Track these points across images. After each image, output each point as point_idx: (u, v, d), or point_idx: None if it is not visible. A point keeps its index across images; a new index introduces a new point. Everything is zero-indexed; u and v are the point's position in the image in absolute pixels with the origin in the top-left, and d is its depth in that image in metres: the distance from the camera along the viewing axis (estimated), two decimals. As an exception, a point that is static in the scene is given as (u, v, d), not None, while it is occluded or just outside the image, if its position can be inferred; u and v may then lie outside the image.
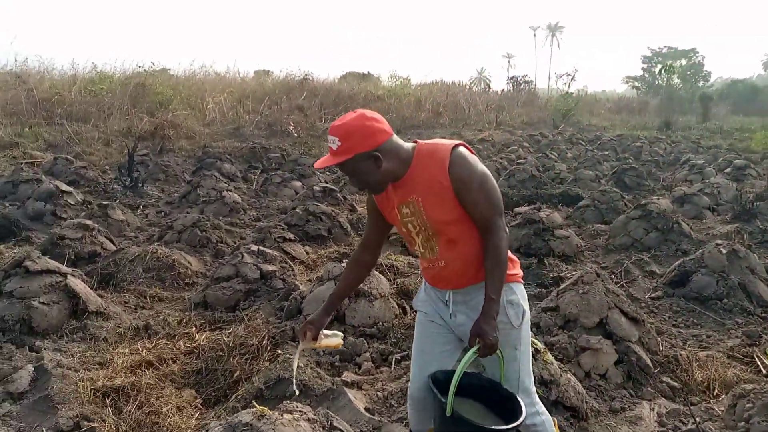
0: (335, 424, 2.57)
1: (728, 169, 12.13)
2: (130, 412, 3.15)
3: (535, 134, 20.19)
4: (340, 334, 2.47)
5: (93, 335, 4.14)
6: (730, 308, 4.83)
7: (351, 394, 3.30)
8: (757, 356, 3.98)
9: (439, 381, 2.08)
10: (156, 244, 6.08)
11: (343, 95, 21.83)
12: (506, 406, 2.11)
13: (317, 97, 20.45)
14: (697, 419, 3.12)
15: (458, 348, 2.35)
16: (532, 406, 2.27)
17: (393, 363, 3.83)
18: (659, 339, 4.08)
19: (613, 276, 5.63)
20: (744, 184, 10.70)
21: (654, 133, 23.61)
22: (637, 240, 6.76)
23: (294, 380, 2.35)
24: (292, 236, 6.38)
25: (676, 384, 3.63)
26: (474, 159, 2.11)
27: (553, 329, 3.85)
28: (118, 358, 3.73)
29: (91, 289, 4.72)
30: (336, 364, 3.83)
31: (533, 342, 3.20)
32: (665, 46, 57.51)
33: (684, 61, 53.33)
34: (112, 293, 5.00)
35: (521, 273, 2.29)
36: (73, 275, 4.57)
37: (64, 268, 4.54)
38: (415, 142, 2.18)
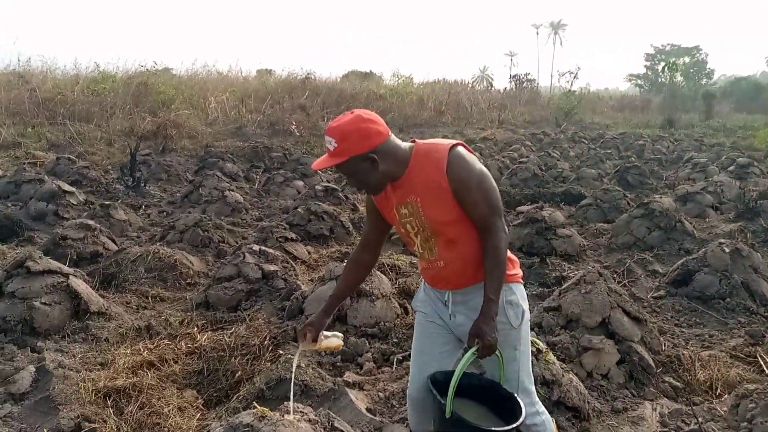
0: (336, 424, 2.56)
1: (731, 168, 12.09)
2: (131, 412, 3.15)
3: (537, 133, 20.15)
4: (340, 335, 2.46)
5: (94, 336, 4.14)
6: (733, 307, 4.82)
7: (352, 394, 3.29)
8: (760, 356, 3.96)
9: (439, 382, 2.08)
10: (158, 244, 6.08)
11: (346, 94, 21.81)
12: (506, 406, 2.10)
13: (319, 96, 20.44)
14: (700, 419, 3.11)
15: (458, 348, 2.35)
16: (532, 406, 2.26)
17: (395, 363, 3.83)
18: (662, 339, 4.07)
19: (615, 275, 5.61)
20: (747, 183, 10.67)
21: (657, 131, 23.55)
22: (640, 239, 6.74)
23: (291, 384, 2.35)
24: (294, 236, 6.37)
25: (678, 384, 3.61)
26: (472, 159, 2.10)
27: (555, 329, 3.84)
28: (120, 358, 3.73)
29: (93, 289, 4.72)
30: (337, 364, 3.82)
31: (535, 342, 3.19)
32: (668, 44, 57.39)
33: (687, 59, 53.17)
34: (113, 293, 5.01)
35: (521, 273, 2.28)
36: (75, 275, 4.57)
37: (65, 269, 4.54)
38: (413, 141, 2.17)
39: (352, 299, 4.24)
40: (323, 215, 7.14)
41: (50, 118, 14.58)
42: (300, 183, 10.19)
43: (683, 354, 3.89)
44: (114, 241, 6.19)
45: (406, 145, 2.13)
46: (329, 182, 9.13)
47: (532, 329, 3.80)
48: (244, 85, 21.16)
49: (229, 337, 3.96)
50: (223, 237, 6.56)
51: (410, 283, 4.82)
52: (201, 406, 3.39)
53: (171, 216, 7.80)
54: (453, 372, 1.99)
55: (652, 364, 3.66)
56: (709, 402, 3.42)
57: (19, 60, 17.84)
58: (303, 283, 5.08)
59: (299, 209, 7.25)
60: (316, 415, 2.51)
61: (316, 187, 8.71)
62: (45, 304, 4.16)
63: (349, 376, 3.64)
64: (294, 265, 5.61)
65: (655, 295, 5.25)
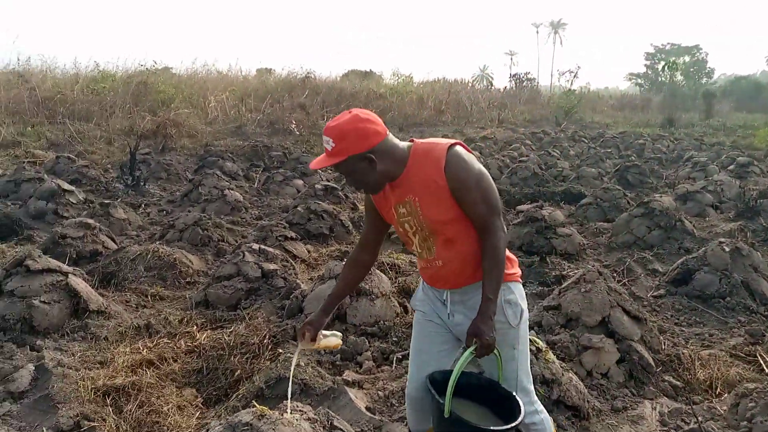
0: (336, 423, 2.56)
1: (731, 167, 12.08)
2: (130, 411, 3.15)
3: (537, 132, 20.14)
4: (339, 334, 2.45)
5: (94, 334, 4.14)
6: (732, 307, 4.81)
7: (352, 393, 3.29)
8: (760, 355, 3.95)
9: (437, 381, 2.07)
10: (157, 242, 6.07)
11: (346, 93, 21.80)
12: (505, 405, 2.10)
13: (319, 95, 20.44)
14: (700, 418, 3.11)
15: (456, 347, 2.34)
16: (531, 405, 2.26)
17: (394, 362, 3.82)
18: (661, 338, 4.06)
19: (615, 274, 5.61)
20: (747, 182, 10.67)
21: (657, 130, 23.54)
22: (640, 238, 6.74)
23: (290, 383, 2.34)
24: (293, 235, 6.37)
25: (678, 383, 3.61)
26: (470, 158, 2.09)
27: (555, 328, 3.84)
28: (119, 357, 3.73)
29: (93, 288, 4.72)
30: (337, 363, 3.82)
31: (535, 341, 3.19)
32: (668, 43, 57.35)
33: (687, 58, 53.15)
34: (113, 292, 5.00)
35: (519, 272, 2.28)
36: (74, 274, 4.57)
37: (65, 267, 4.54)
38: (412, 141, 2.17)
39: (352, 298, 4.23)
40: (323, 214, 7.14)
41: (50, 117, 14.57)
42: (300, 182, 10.18)
43: (683, 353, 3.88)
44: (113, 240, 6.19)
45: (404, 144, 2.13)
46: (329, 181, 9.13)
47: (532, 328, 3.81)
48: (243, 84, 21.16)
49: (229, 336, 3.96)
50: (223, 236, 6.56)
51: (410, 281, 4.82)
52: (200, 405, 3.38)
53: (170, 215, 7.80)
54: (451, 371, 1.98)
55: (652, 363, 3.66)
56: (709, 401, 3.42)
57: (18, 59, 17.86)
58: (303, 282, 5.07)
59: (299, 208, 7.24)
60: (315, 414, 2.51)
61: (316, 186, 8.70)
62: (44, 302, 4.16)
63: (349, 374, 3.64)
64: (293, 263, 5.60)
65: (655, 294, 5.25)
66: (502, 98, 30.16)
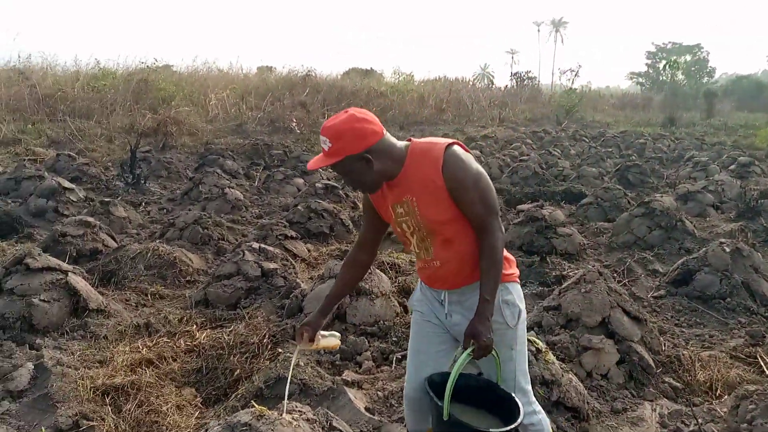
0: (335, 424, 2.56)
1: (732, 166, 12.07)
2: (129, 410, 3.14)
3: (538, 131, 20.12)
4: (338, 334, 2.45)
5: (93, 333, 4.14)
6: (733, 308, 4.81)
7: (351, 393, 3.28)
8: (761, 356, 3.95)
9: (436, 383, 2.07)
10: (157, 241, 6.06)
11: (346, 91, 21.79)
12: (504, 406, 2.09)
13: (320, 94, 20.42)
14: (700, 420, 3.11)
15: (454, 348, 2.34)
16: (529, 406, 2.26)
17: (394, 362, 3.82)
18: (662, 338, 4.06)
19: (615, 274, 5.60)
20: (748, 182, 10.65)
21: (658, 129, 23.51)
22: (640, 238, 6.73)
23: (288, 383, 2.34)
24: (293, 234, 6.36)
25: (678, 384, 3.60)
26: (468, 158, 2.08)
27: (555, 328, 3.83)
28: (119, 356, 3.73)
29: (93, 286, 4.72)
30: (336, 363, 3.82)
31: (534, 341, 3.19)
32: (669, 42, 57.21)
33: (688, 57, 53.05)
34: (113, 291, 5.00)
35: (517, 272, 2.27)
36: (74, 273, 4.56)
37: (65, 266, 4.53)
38: (409, 140, 2.16)
39: (352, 298, 4.23)
40: (323, 213, 7.13)
41: (50, 114, 14.57)
42: (300, 180, 10.18)
43: (683, 354, 3.88)
44: (113, 238, 6.19)
45: (401, 143, 2.12)
46: (329, 180, 9.11)
47: (531, 328, 3.80)
48: (244, 82, 21.14)
49: (228, 335, 3.95)
50: (223, 234, 6.55)
51: (410, 281, 4.81)
52: (199, 405, 3.38)
53: (171, 213, 7.79)
54: (450, 373, 1.98)
55: (652, 365, 3.65)
56: (709, 403, 3.41)
57: (19, 56, 17.87)
58: (303, 281, 5.07)
59: (299, 207, 7.24)
60: (314, 414, 2.50)
61: (317, 184, 8.69)
62: (44, 301, 4.16)
63: (348, 374, 3.63)
64: (294, 262, 5.60)
65: (655, 294, 5.24)
66: (503, 97, 30.13)
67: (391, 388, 3.44)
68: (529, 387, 2.32)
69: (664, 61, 48.70)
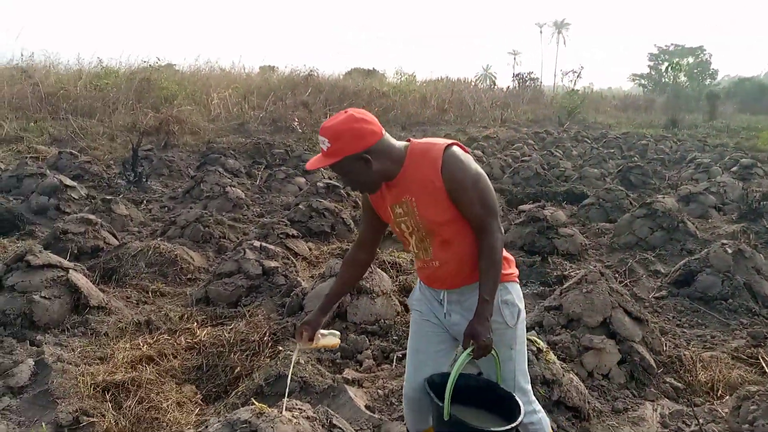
0: (335, 422, 2.55)
1: (735, 168, 12.05)
2: (129, 407, 3.14)
3: (540, 132, 20.10)
4: (337, 333, 2.45)
5: (94, 330, 4.14)
6: (735, 309, 4.80)
7: (352, 391, 3.28)
8: (762, 357, 3.94)
9: (436, 384, 2.07)
10: (159, 239, 6.07)
11: (348, 91, 21.79)
12: (504, 405, 2.09)
13: (322, 93, 20.42)
14: (701, 421, 3.10)
15: (453, 347, 2.34)
16: (529, 405, 2.26)
17: (394, 361, 3.81)
18: (663, 339, 4.05)
19: (617, 275, 5.59)
20: (750, 183, 10.63)
21: (660, 131, 23.48)
22: (642, 239, 6.72)
23: (288, 382, 2.34)
24: (294, 232, 6.36)
25: (679, 385, 3.59)
26: (467, 158, 2.08)
27: (556, 328, 3.82)
28: (119, 353, 3.73)
29: (94, 283, 4.72)
30: (337, 361, 3.81)
31: (536, 341, 3.18)
32: (672, 44, 57.10)
33: (691, 59, 52.96)
34: (114, 288, 5.00)
35: (517, 272, 2.26)
36: (75, 270, 4.56)
37: (65, 263, 4.54)
38: (409, 141, 2.16)
39: (353, 296, 4.22)
40: (324, 212, 7.13)
41: (53, 112, 14.58)
42: (301, 179, 10.18)
43: (684, 355, 3.87)
44: (115, 236, 6.19)
45: (401, 144, 2.11)
46: (331, 179, 9.11)
47: (533, 328, 3.80)
48: (246, 81, 21.14)
49: (229, 333, 3.95)
50: (224, 233, 6.55)
51: (410, 280, 4.80)
52: (200, 402, 3.38)
53: (172, 211, 7.80)
54: (449, 374, 1.98)
55: (653, 365, 3.64)
56: (710, 403, 3.40)
57: (22, 55, 17.86)
58: (303, 280, 5.07)
59: (300, 206, 7.24)
60: (314, 413, 2.50)
61: (318, 183, 8.69)
62: (45, 297, 4.16)
63: (349, 373, 3.63)
64: (294, 261, 5.60)
65: (656, 295, 5.23)
66: (505, 98, 30.13)
67: (392, 386, 3.43)
68: (529, 386, 2.32)
69: (666, 63, 48.62)
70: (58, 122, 13.95)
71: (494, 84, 39.60)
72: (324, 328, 2.40)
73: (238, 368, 3.61)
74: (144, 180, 9.56)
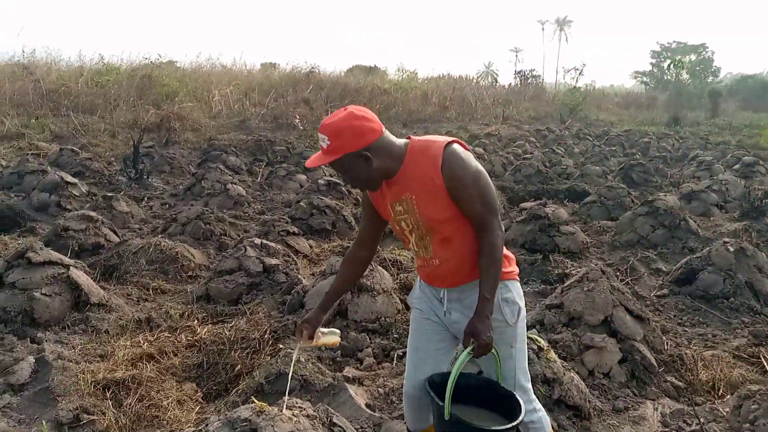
0: (335, 420, 2.55)
1: (737, 166, 12.02)
2: (130, 405, 3.14)
3: (542, 129, 20.07)
4: (337, 331, 2.44)
5: (95, 327, 4.13)
6: (736, 307, 4.78)
7: (352, 389, 3.28)
8: (764, 356, 3.93)
9: (436, 384, 2.07)
10: (160, 236, 6.07)
11: (350, 88, 21.76)
12: (505, 404, 2.09)
13: (323, 90, 20.39)
14: (702, 420, 3.09)
15: (453, 345, 2.33)
16: (529, 403, 2.25)
17: (395, 359, 3.81)
18: (664, 338, 4.04)
19: (618, 273, 5.58)
20: (753, 181, 10.61)
21: (662, 128, 23.42)
22: (644, 237, 6.71)
23: (289, 380, 2.33)
24: (295, 230, 6.36)
25: (680, 384, 3.59)
26: (467, 156, 2.07)
27: (557, 327, 3.81)
28: (120, 350, 3.73)
29: (94, 280, 4.72)
30: (337, 359, 3.81)
31: (536, 339, 3.17)
32: (674, 41, 56.99)
33: (693, 57, 52.85)
34: (114, 285, 5.00)
35: (517, 270, 2.26)
36: (76, 267, 4.56)
37: (66, 260, 4.53)
38: (409, 138, 2.15)
39: (353, 294, 4.22)
40: (325, 209, 7.12)
41: (54, 109, 14.59)
42: (302, 177, 10.17)
43: (686, 353, 3.86)
44: (116, 233, 6.19)
45: (401, 141, 2.10)
46: (332, 176, 9.10)
47: (533, 327, 3.79)
48: (248, 78, 21.14)
49: (230, 331, 3.95)
50: (225, 230, 6.55)
51: (411, 278, 4.79)
52: (200, 400, 3.38)
53: (173, 208, 7.80)
54: (450, 373, 1.97)
55: (654, 364, 3.64)
56: (711, 402, 3.39)
57: (23, 51, 17.87)
58: (304, 277, 5.06)
59: (301, 203, 7.23)
60: (314, 411, 2.49)
61: (319, 181, 8.68)
62: (45, 295, 4.16)
63: (349, 371, 3.63)
64: (295, 259, 5.59)
65: (658, 293, 5.22)
66: (506, 95, 30.07)
67: (392, 384, 3.43)
68: (529, 385, 2.31)
69: (668, 61, 48.50)
70: (59, 119, 13.95)
71: (496, 81, 39.55)
72: (324, 327, 2.40)
73: (239, 366, 3.61)
74: (145, 177, 9.55)
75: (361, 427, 2.97)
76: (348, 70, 28.37)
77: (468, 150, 2.12)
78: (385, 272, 4.58)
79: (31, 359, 3.50)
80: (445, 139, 2.10)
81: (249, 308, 4.49)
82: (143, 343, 3.88)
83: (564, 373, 3.13)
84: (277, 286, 4.88)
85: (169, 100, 16.17)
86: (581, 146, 16.35)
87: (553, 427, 2.67)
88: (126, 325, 4.19)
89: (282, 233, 6.13)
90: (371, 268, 4.37)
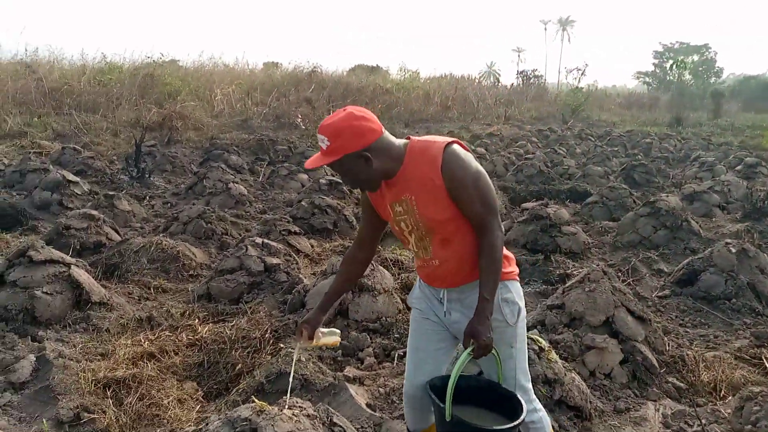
0: (335, 420, 2.54)
1: (739, 167, 12.00)
2: (130, 403, 3.14)
3: (544, 129, 20.06)
4: (337, 331, 2.44)
5: (96, 326, 4.14)
6: (738, 308, 4.77)
7: (353, 389, 3.27)
8: (765, 358, 3.92)
9: (437, 387, 2.07)
10: (161, 235, 6.08)
11: (352, 88, 21.77)
12: (505, 405, 2.09)
13: (325, 90, 20.40)
14: (703, 421, 3.08)
15: (453, 345, 2.33)
16: (530, 403, 2.25)
17: (396, 358, 3.81)
18: (666, 339, 4.03)
19: (620, 274, 5.57)
20: (755, 182, 10.59)
21: (664, 129, 23.40)
22: (645, 238, 6.69)
23: (290, 380, 2.33)
24: (297, 229, 6.36)
25: (682, 385, 3.58)
26: (467, 156, 2.07)
27: (559, 327, 3.81)
28: (120, 349, 3.73)
29: (96, 279, 4.72)
30: (338, 358, 3.81)
31: (538, 340, 3.17)
32: (677, 42, 56.97)
33: (696, 57, 52.82)
34: (116, 284, 5.01)
35: (517, 270, 2.25)
36: (77, 265, 4.56)
37: (68, 258, 4.54)
38: (408, 138, 2.14)
39: (354, 294, 4.22)
40: (327, 209, 7.12)
41: (56, 108, 14.61)
42: (304, 176, 10.16)
43: (687, 354, 3.85)
44: (117, 232, 6.19)
45: (400, 142, 2.10)
46: (333, 176, 9.09)
47: (535, 327, 3.78)
48: (250, 77, 21.13)
49: (230, 330, 3.95)
50: (227, 229, 6.55)
51: (412, 278, 4.79)
52: (201, 399, 3.38)
53: (175, 207, 7.80)
54: (450, 376, 1.97)
55: (656, 365, 3.63)
56: (713, 403, 3.38)
57: (26, 50, 17.92)
58: (305, 277, 5.06)
59: (303, 202, 7.23)
60: (315, 410, 2.49)
61: (321, 180, 8.68)
62: (46, 293, 4.16)
63: (350, 370, 3.62)
64: (297, 258, 5.59)
65: (659, 294, 5.21)
66: (509, 95, 30.07)
67: (393, 384, 3.43)
68: (530, 385, 2.31)
69: (671, 61, 48.49)
70: (61, 117, 13.97)
71: (498, 81, 39.54)
72: (325, 326, 2.40)
73: (240, 365, 3.61)
74: (147, 176, 9.56)
75: (362, 427, 2.97)
76: (350, 69, 28.38)
77: (468, 150, 2.11)
78: (386, 272, 4.58)
79: (32, 357, 3.51)
80: (444, 139, 2.09)
81: (250, 307, 4.49)
82: (144, 342, 3.88)
83: (565, 374, 3.13)
84: (278, 285, 4.88)
85: (172, 99, 16.18)
86: (583, 146, 16.33)
87: (553, 428, 2.66)
88: (127, 323, 4.19)
89: (283, 232, 6.13)
90: (372, 267, 4.36)
